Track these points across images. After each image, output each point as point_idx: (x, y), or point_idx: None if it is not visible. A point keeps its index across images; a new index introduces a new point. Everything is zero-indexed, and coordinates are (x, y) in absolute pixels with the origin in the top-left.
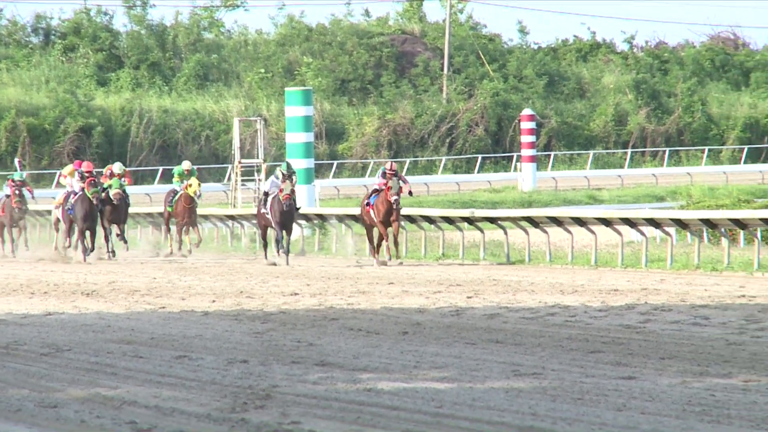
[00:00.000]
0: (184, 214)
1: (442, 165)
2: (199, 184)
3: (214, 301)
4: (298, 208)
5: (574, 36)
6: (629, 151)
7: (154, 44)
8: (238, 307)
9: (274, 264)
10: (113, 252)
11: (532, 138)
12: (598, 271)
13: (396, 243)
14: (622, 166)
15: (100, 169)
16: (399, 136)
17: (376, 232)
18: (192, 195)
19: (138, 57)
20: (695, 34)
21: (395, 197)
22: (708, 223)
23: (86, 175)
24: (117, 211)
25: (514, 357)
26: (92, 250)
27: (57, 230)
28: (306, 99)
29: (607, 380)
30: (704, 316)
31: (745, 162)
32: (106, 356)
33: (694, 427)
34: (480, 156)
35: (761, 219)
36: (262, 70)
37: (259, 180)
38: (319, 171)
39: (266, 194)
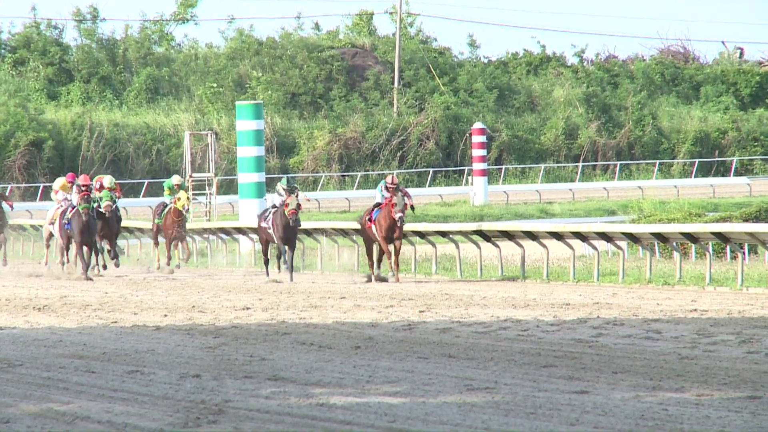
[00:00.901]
0: (173, 227)
1: None
2: (189, 199)
3: (166, 316)
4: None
5: (525, 49)
6: (580, 164)
7: (105, 58)
8: (190, 321)
9: (276, 281)
10: (104, 266)
11: (483, 152)
12: (550, 285)
13: (396, 261)
14: (573, 180)
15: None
16: (350, 150)
17: (376, 247)
18: (180, 209)
19: (88, 71)
20: (645, 48)
21: (400, 214)
22: (659, 237)
23: (82, 188)
24: (108, 226)
25: (466, 371)
26: (89, 265)
27: (47, 246)
28: (257, 113)
29: (560, 394)
30: (656, 330)
31: (695, 176)
32: (58, 371)
33: None
34: (431, 170)
35: (712, 233)
36: (213, 84)
37: (210, 194)
38: (271, 185)
39: (265, 210)
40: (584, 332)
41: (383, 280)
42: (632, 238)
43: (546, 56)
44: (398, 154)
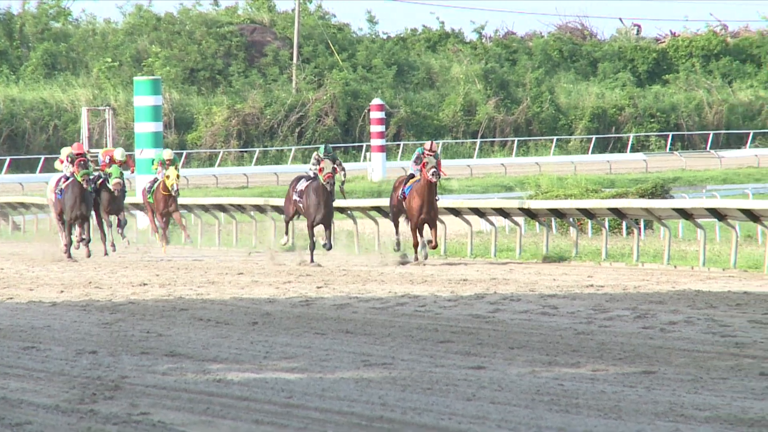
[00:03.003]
0: (164, 203)
1: (291, 155)
2: (178, 177)
3: (62, 292)
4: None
5: (423, 26)
6: (478, 140)
7: (1, 33)
8: (87, 297)
9: (309, 262)
10: (113, 245)
11: (381, 128)
12: (447, 261)
13: (434, 234)
14: (471, 156)
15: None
16: (248, 126)
17: (403, 218)
18: (169, 188)
19: None
20: (543, 25)
21: (433, 170)
22: (556, 213)
23: (76, 157)
24: (115, 202)
25: (363, 347)
26: (88, 240)
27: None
28: (155, 88)
29: (456, 370)
30: (553, 305)
31: (592, 152)
32: None
33: (543, 416)
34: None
35: (609, 209)
36: (109, 60)
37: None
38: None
39: (297, 178)
40: (481, 308)
41: (406, 261)
42: (529, 214)
43: (445, 33)
44: (297, 130)
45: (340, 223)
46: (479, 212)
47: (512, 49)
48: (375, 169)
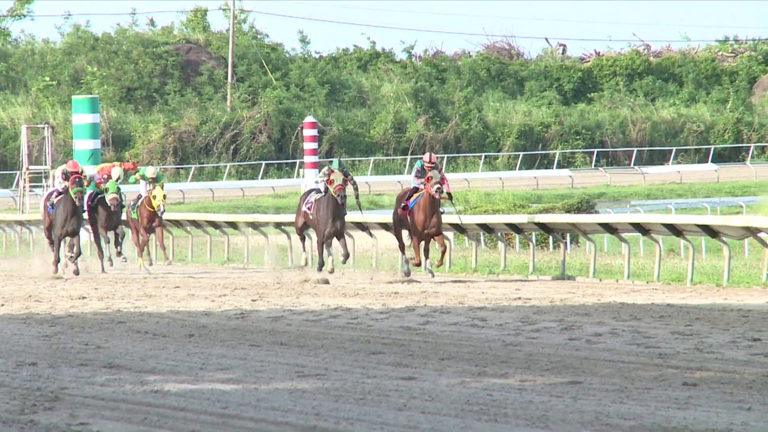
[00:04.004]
0: (148, 218)
1: (226, 171)
2: (164, 197)
3: (2, 305)
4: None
5: (355, 45)
6: (408, 157)
7: None
8: (27, 310)
9: (326, 281)
10: (111, 261)
11: (314, 145)
12: (379, 274)
13: (442, 255)
14: (401, 172)
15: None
16: (184, 143)
17: (406, 234)
18: (155, 209)
19: None
20: (472, 44)
21: (437, 186)
22: (485, 227)
23: (71, 173)
24: (112, 218)
25: (297, 358)
26: (79, 254)
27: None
28: (92, 107)
29: (388, 381)
30: (482, 317)
31: (520, 168)
32: None
33: (472, 425)
34: (264, 162)
35: (536, 223)
36: (48, 78)
37: (47, 186)
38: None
39: (308, 192)
40: (412, 320)
41: (409, 276)
42: (459, 228)
43: (375, 52)
44: (232, 147)
45: (273, 237)
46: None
47: (441, 68)
48: (308, 185)
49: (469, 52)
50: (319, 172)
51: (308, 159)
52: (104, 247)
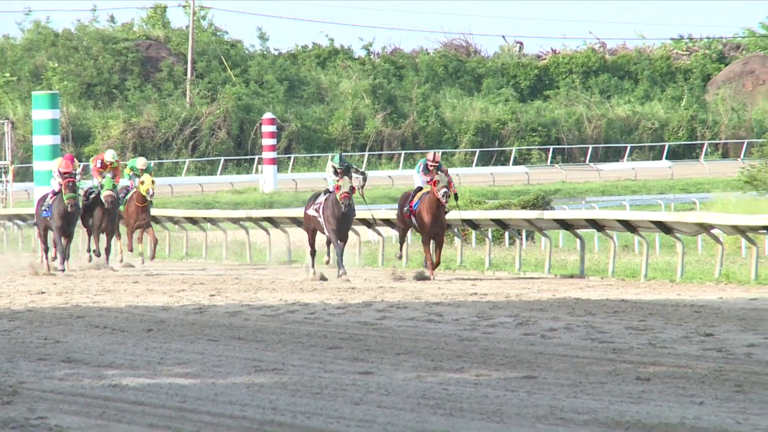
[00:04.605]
0: (136, 214)
1: (185, 167)
2: (153, 182)
3: None
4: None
5: (313, 43)
6: (366, 153)
7: None
8: None
9: (323, 279)
10: (98, 253)
11: (273, 141)
12: (336, 270)
13: (437, 253)
14: (359, 168)
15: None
16: (144, 139)
17: (410, 234)
18: (144, 194)
19: None
20: (430, 42)
21: (444, 190)
22: None
23: (65, 175)
24: (109, 217)
25: (255, 353)
26: (67, 257)
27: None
28: (53, 102)
29: (345, 375)
30: (438, 313)
31: (476, 165)
32: None
33: (428, 420)
34: (222, 158)
35: (492, 219)
36: (8, 74)
37: (6, 181)
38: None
39: (316, 194)
40: (369, 315)
41: (423, 277)
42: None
43: (334, 49)
44: (191, 143)
45: (233, 233)
46: (367, 222)
47: (399, 65)
48: (267, 181)
49: (426, 50)
50: (328, 167)
51: (267, 155)
52: (107, 242)
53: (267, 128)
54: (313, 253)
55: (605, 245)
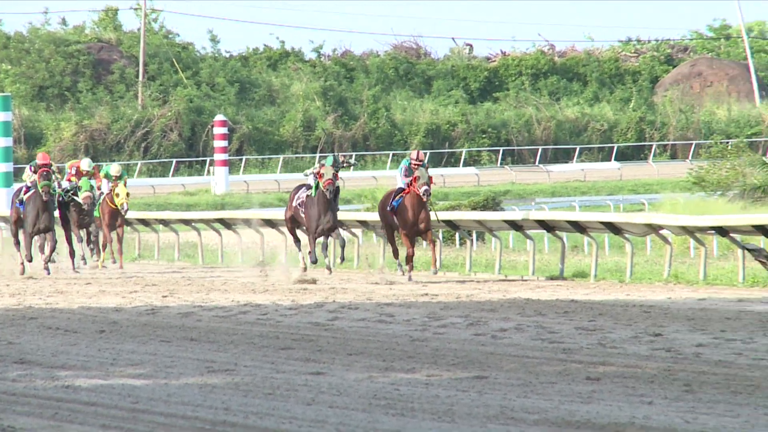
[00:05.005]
0: (110, 215)
1: (137, 169)
2: (128, 195)
3: None
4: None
5: (264, 45)
6: (317, 155)
7: None
8: None
9: (314, 281)
10: (84, 260)
11: (224, 143)
12: (288, 271)
13: (433, 252)
14: None
15: (62, 164)
16: (96, 141)
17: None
18: (119, 207)
19: None
20: (380, 44)
21: (425, 188)
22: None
23: (39, 166)
24: (86, 216)
25: (207, 354)
26: (52, 250)
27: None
28: (4, 105)
29: (297, 376)
30: (389, 313)
31: None
32: None
33: (379, 420)
34: (174, 160)
35: (443, 221)
36: None
37: None
38: (18, 175)
39: (299, 186)
40: (321, 316)
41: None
42: (366, 225)
43: (285, 51)
44: (143, 145)
45: (184, 234)
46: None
47: (350, 67)
48: (218, 182)
49: (377, 52)
50: (316, 167)
51: (218, 157)
52: (76, 246)
53: (218, 130)
54: (297, 240)
55: (555, 246)
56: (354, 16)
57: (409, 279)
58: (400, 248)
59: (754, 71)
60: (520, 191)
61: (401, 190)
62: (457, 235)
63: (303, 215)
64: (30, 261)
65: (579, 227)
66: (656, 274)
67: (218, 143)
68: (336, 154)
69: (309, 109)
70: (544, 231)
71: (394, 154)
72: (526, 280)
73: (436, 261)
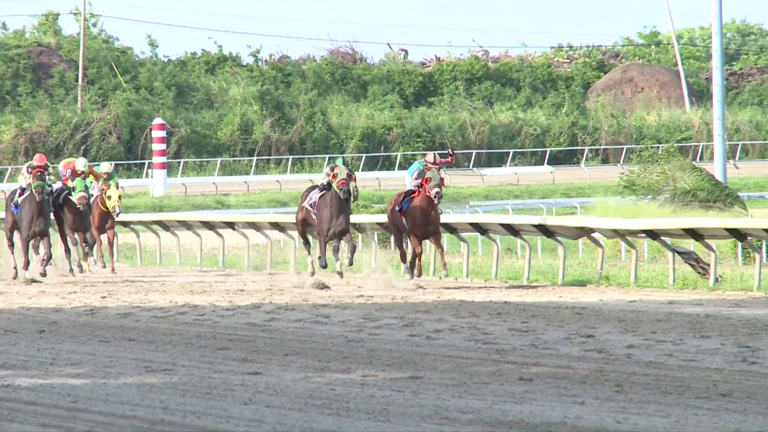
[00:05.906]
0: (100, 217)
1: None
2: (120, 197)
3: None
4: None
5: (202, 49)
6: (255, 158)
7: None
8: None
9: (327, 286)
10: (80, 266)
11: (163, 146)
12: (225, 273)
13: (441, 255)
14: (248, 173)
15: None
16: (36, 144)
17: (407, 240)
18: (111, 210)
19: None
20: (316, 49)
21: (436, 190)
22: None
23: (34, 168)
24: (81, 218)
25: (146, 354)
26: (50, 257)
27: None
28: None
29: (234, 376)
30: (325, 314)
31: (362, 170)
32: None
33: (315, 419)
34: (113, 163)
35: (378, 223)
36: None
37: None
38: None
39: (310, 188)
40: (257, 317)
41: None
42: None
43: (223, 56)
44: (82, 148)
45: (122, 236)
46: (255, 226)
47: (287, 72)
48: (157, 185)
49: (313, 57)
50: (325, 171)
51: (157, 159)
52: (72, 248)
53: (157, 133)
54: (306, 243)
55: (488, 248)
56: (291, 21)
57: (420, 275)
58: (407, 252)
59: (684, 77)
60: (454, 194)
61: (411, 192)
62: (391, 238)
63: (314, 216)
64: (26, 268)
65: (512, 230)
66: (588, 276)
67: (157, 146)
68: (344, 157)
69: (246, 113)
70: (478, 233)
71: (330, 158)
72: (466, 285)
73: (445, 264)
